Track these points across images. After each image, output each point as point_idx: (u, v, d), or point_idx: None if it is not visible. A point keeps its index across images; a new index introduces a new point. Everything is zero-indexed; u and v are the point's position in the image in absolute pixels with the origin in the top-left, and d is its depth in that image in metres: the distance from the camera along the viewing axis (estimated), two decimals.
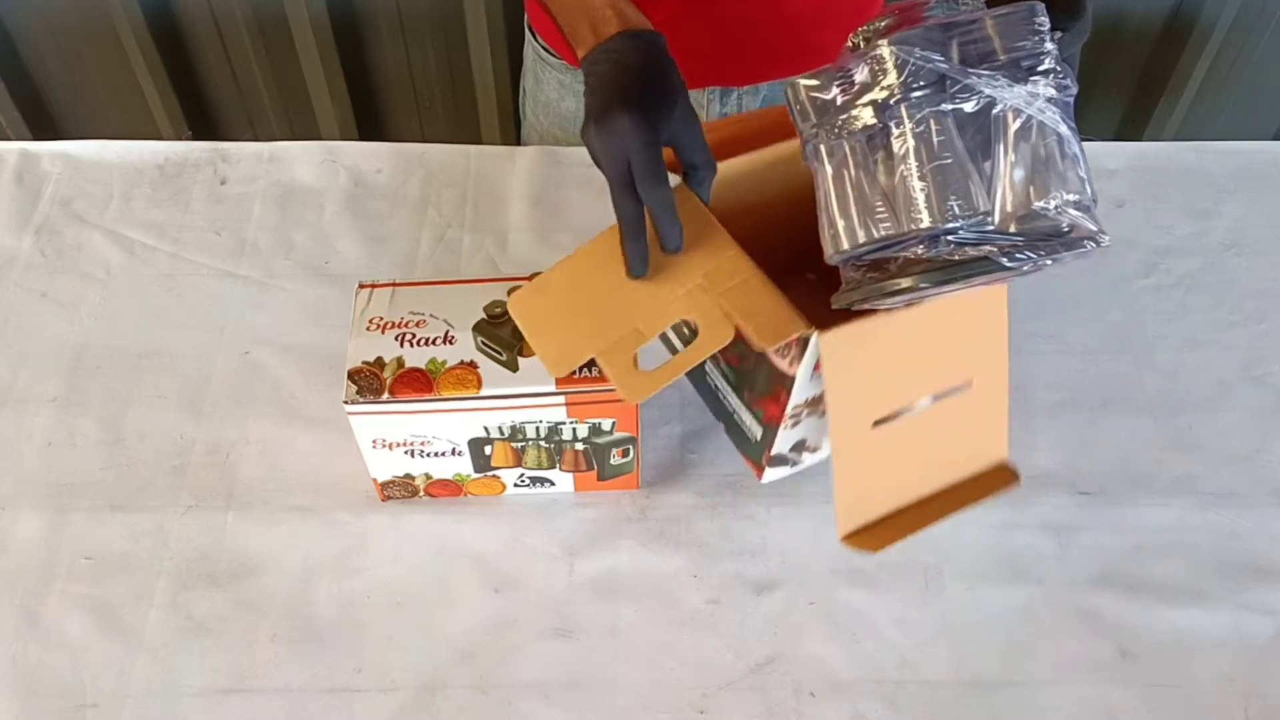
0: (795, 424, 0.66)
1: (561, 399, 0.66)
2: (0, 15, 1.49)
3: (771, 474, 0.69)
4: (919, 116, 0.52)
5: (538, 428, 0.68)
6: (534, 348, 0.61)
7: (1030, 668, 0.68)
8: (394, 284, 0.71)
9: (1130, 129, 1.66)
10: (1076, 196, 0.53)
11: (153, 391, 0.80)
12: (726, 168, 0.65)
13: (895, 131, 0.53)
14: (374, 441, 0.69)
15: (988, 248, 0.52)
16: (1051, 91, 0.53)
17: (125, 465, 0.76)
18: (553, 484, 0.74)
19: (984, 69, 0.52)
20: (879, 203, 0.55)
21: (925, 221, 0.53)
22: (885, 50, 0.52)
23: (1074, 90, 0.54)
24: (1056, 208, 0.52)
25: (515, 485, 0.74)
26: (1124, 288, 0.86)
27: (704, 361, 0.64)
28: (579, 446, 0.70)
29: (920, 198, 0.53)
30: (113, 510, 0.74)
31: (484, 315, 0.68)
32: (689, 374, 0.70)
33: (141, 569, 0.72)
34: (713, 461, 0.77)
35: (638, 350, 0.59)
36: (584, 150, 0.96)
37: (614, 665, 0.68)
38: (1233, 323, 0.84)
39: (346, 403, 0.66)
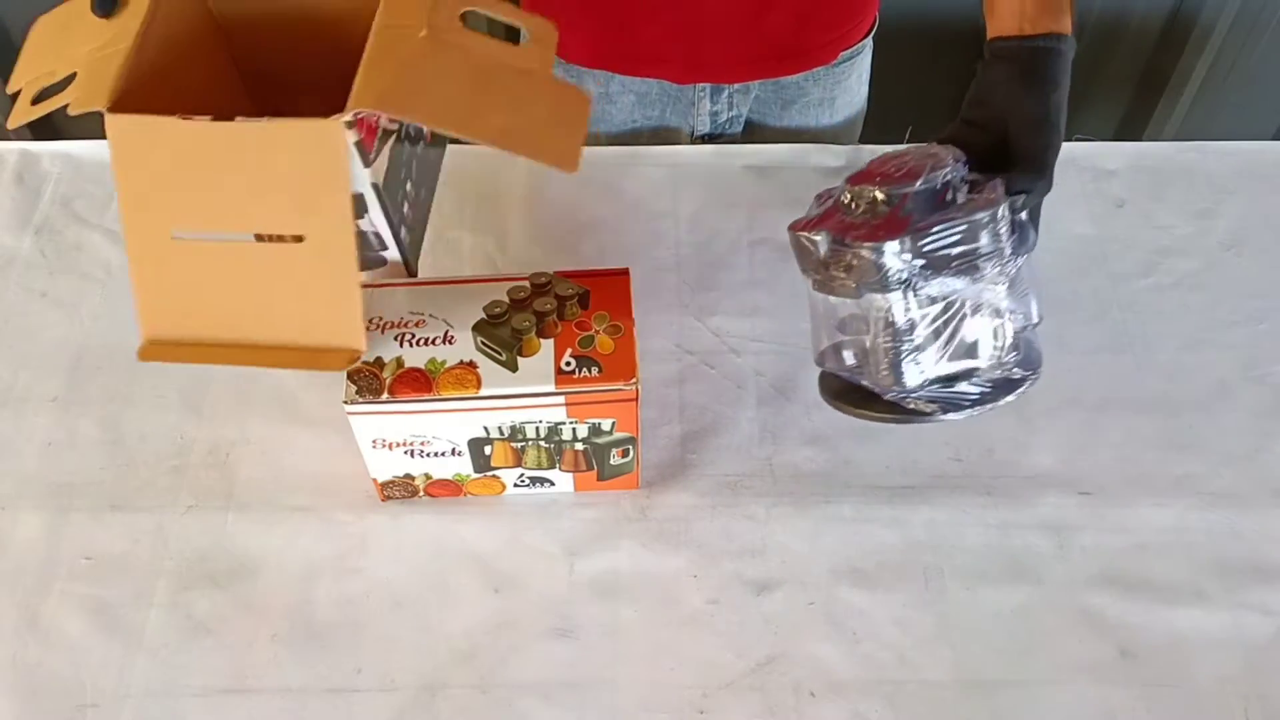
0: None
1: (561, 399, 0.66)
2: (0, 15, 1.49)
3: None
4: (890, 305, 0.64)
5: (537, 428, 0.68)
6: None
7: (1030, 668, 0.68)
8: (394, 284, 0.71)
9: (1130, 129, 1.66)
10: (1017, 355, 0.67)
11: (153, 391, 0.80)
12: None
13: (871, 306, 0.65)
14: (374, 441, 0.69)
15: (934, 407, 0.67)
16: (1011, 270, 0.65)
17: (125, 465, 0.76)
18: (553, 484, 0.74)
19: (950, 270, 0.63)
20: (853, 350, 0.69)
21: (888, 386, 0.67)
22: (869, 253, 0.63)
23: (1034, 244, 0.66)
24: (1002, 364, 0.66)
25: (515, 485, 0.74)
26: (1124, 288, 0.86)
27: None
28: (579, 446, 0.70)
29: (885, 364, 0.66)
30: (113, 510, 0.74)
31: (484, 315, 0.68)
32: None
33: (141, 569, 0.72)
34: (713, 461, 0.77)
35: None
36: (584, 149, 0.96)
37: (614, 665, 0.68)
38: (1233, 323, 0.84)
39: (346, 403, 0.66)
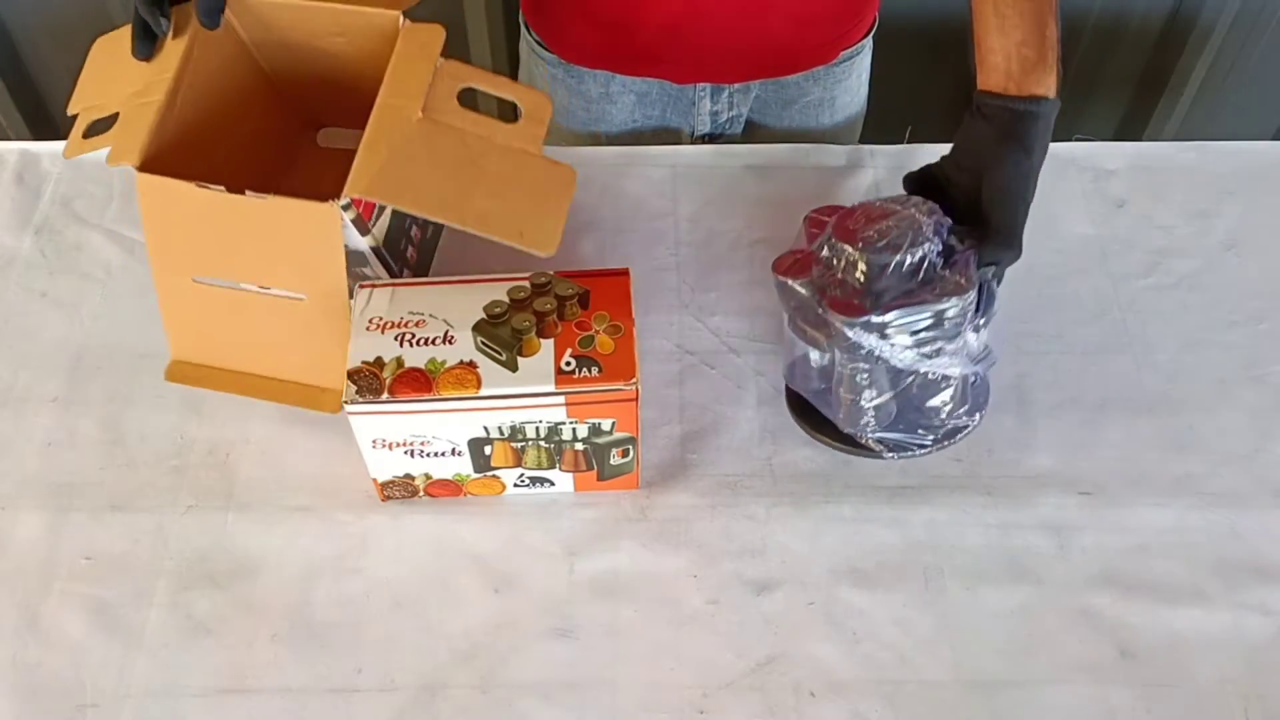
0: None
1: (561, 399, 0.66)
2: (0, 15, 1.49)
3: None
4: (852, 368, 0.70)
5: (537, 428, 0.68)
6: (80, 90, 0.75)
7: (1030, 668, 0.68)
8: (394, 284, 0.71)
9: (1130, 129, 1.66)
10: (966, 407, 0.73)
11: (153, 391, 0.80)
12: None
13: (838, 361, 0.70)
14: (374, 441, 0.69)
15: (881, 447, 0.73)
16: (971, 338, 0.69)
17: (125, 465, 0.76)
18: (553, 484, 0.74)
19: (914, 346, 0.67)
20: (819, 379, 0.74)
21: (844, 428, 0.73)
22: (841, 324, 0.67)
23: (996, 309, 0.71)
24: (953, 415, 0.73)
25: (515, 485, 0.74)
26: (1124, 288, 0.86)
27: None
28: (579, 446, 0.70)
29: (844, 411, 0.73)
30: (113, 510, 0.74)
31: (484, 315, 0.68)
32: None
33: (141, 569, 0.72)
34: (713, 461, 0.77)
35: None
36: (582, 148, 0.96)
37: (614, 665, 0.68)
38: (1233, 323, 0.84)
39: (346, 403, 0.66)
